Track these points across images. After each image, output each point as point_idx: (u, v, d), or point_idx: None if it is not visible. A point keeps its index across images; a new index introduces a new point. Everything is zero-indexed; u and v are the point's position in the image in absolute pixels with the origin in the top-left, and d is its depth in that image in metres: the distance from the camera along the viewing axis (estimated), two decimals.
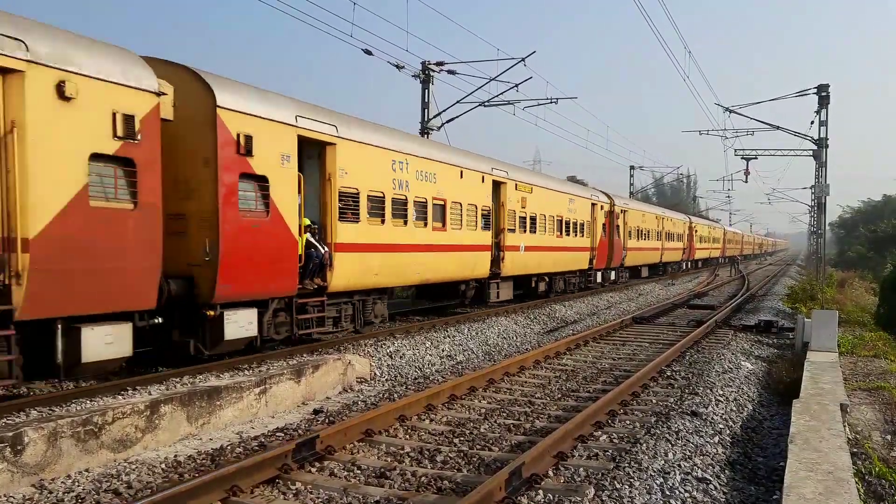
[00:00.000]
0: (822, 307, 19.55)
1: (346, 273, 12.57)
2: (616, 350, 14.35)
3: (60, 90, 7.67)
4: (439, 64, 25.67)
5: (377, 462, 6.90)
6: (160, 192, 8.89)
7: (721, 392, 10.04)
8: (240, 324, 10.28)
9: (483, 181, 18.09)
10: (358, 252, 12.93)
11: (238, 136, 10.02)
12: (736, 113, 32.61)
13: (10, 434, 6.12)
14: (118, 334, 8.42)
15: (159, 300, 8.97)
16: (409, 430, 8.11)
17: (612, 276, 30.56)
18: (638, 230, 33.91)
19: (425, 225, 15.28)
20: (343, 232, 12.46)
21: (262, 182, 10.51)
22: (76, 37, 8.20)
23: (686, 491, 6.11)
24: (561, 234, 23.88)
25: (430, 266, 15.59)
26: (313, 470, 6.66)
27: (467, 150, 18.56)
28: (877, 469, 6.66)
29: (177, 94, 9.31)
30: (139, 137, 8.53)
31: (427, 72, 25.71)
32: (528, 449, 6.83)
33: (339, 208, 12.39)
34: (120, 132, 8.30)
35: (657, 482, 6.20)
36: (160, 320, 9.24)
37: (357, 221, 12.88)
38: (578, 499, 5.84)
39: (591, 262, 27.06)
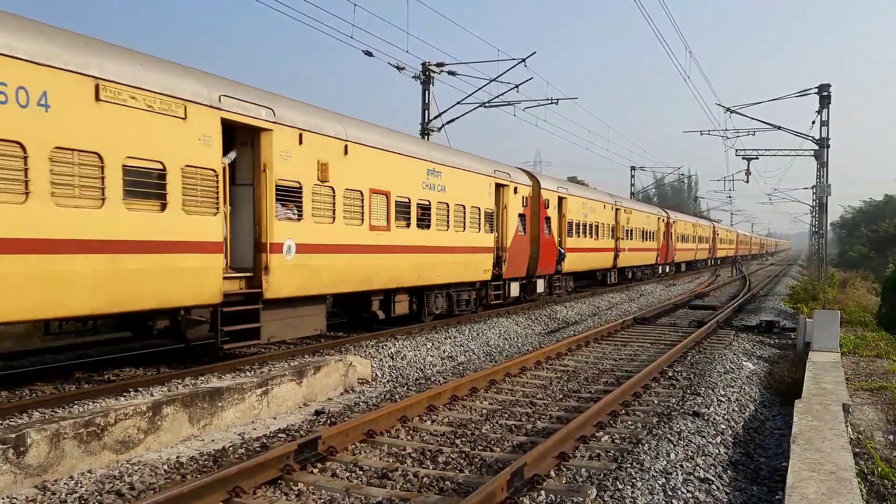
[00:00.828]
0: (824, 307, 19.54)
1: (568, 263, 24.24)
2: (617, 351, 14.35)
3: (515, 191, 19.54)
4: (440, 65, 25.69)
5: (379, 463, 6.90)
6: (529, 228, 20.63)
7: (723, 392, 10.04)
8: (539, 285, 22.13)
9: (611, 209, 29.81)
10: (571, 252, 24.53)
11: (545, 199, 21.76)
12: (737, 113, 32.64)
13: (13, 435, 6.12)
14: (517, 287, 20.37)
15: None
16: (411, 431, 8.11)
17: (668, 269, 43.12)
18: (682, 235, 46.38)
19: (588, 237, 26.80)
20: (568, 241, 24.28)
21: (549, 219, 22.11)
22: (517, 168, 21.14)
23: (688, 491, 6.10)
24: (643, 240, 35.33)
25: (592, 259, 27.53)
26: (315, 471, 6.66)
27: (588, 185, 30.99)
28: (879, 469, 6.66)
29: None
30: (527, 205, 20.46)
31: (427, 73, 25.72)
32: (530, 450, 6.84)
33: (567, 229, 24.22)
34: (524, 204, 20.19)
35: (659, 482, 6.20)
36: (527, 282, 21.28)
37: (571, 236, 24.62)
38: (580, 499, 5.84)
39: (656, 258, 38.96)
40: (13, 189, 7.23)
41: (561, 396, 10.05)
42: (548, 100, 27.49)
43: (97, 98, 7.96)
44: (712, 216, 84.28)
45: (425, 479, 6.42)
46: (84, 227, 7.90)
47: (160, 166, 8.79)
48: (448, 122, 26.10)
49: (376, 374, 11.60)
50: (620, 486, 6.06)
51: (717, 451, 7.41)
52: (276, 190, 10.67)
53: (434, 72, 25.69)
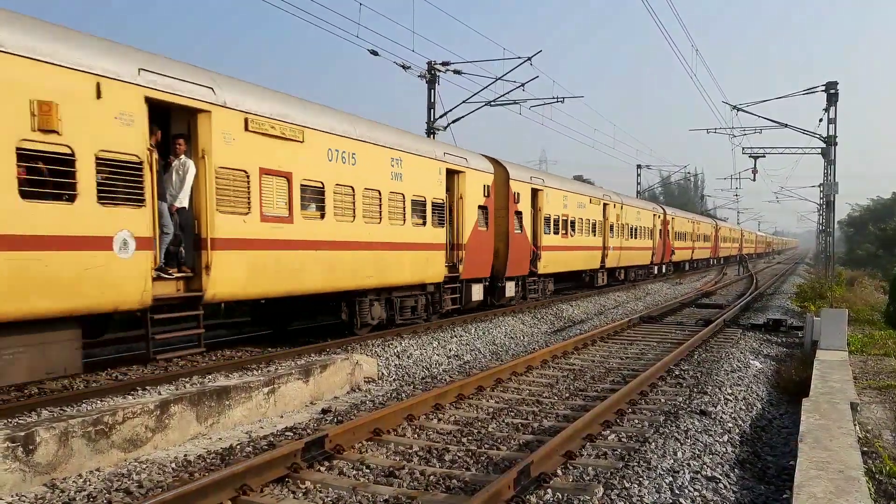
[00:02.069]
0: (832, 306, 19.46)
1: (675, 256, 42.86)
2: (624, 349, 14.33)
3: (660, 217, 38.03)
4: (445, 64, 25.71)
5: (386, 461, 6.91)
6: (662, 236, 38.77)
7: (730, 391, 10.01)
8: (663, 268, 40.42)
9: (690, 223, 46.50)
10: (677, 250, 43.07)
11: (667, 220, 39.46)
12: (744, 111, 32.54)
13: (23, 434, 6.15)
14: (656, 268, 39.28)
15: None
16: (418, 430, 8.12)
17: (714, 261, 60.52)
18: (723, 237, 64.78)
19: (680, 240, 42.88)
20: (675, 244, 41.98)
21: (668, 231, 39.39)
22: (658, 205, 41.14)
23: (695, 490, 6.09)
24: (703, 241, 52.69)
25: (682, 255, 44.89)
26: (322, 469, 6.67)
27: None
28: (887, 468, 6.63)
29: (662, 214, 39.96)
30: (663, 224, 39.34)
31: (433, 72, 25.74)
32: (537, 448, 6.83)
33: (674, 237, 41.18)
34: (662, 223, 39.04)
35: (666, 481, 6.19)
36: (660, 265, 40.53)
37: (676, 241, 42.40)
38: (587, 497, 5.84)
39: (709, 254, 56.56)
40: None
41: (567, 395, 10.04)
42: (553, 98, 27.52)
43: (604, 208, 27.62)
44: (719, 215, 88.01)
45: (432, 477, 6.43)
46: (586, 242, 25.61)
47: (593, 222, 26.25)
48: (454, 121, 26.15)
49: (382, 373, 11.61)
50: (627, 485, 6.05)
51: (724, 449, 7.39)
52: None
53: (440, 71, 25.70)
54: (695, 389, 10.09)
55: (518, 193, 19.33)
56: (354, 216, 12.78)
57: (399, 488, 6.17)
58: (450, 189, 16.48)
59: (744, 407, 9.38)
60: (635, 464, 6.60)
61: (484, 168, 18.06)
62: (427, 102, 26.17)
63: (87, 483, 6.30)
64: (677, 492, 6.00)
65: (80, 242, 8.08)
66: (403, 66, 23.72)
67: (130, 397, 8.13)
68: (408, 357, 12.64)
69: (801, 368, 11.24)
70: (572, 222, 24.06)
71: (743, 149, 37.83)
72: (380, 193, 13.48)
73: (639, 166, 59.29)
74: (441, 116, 26.03)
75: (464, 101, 25.83)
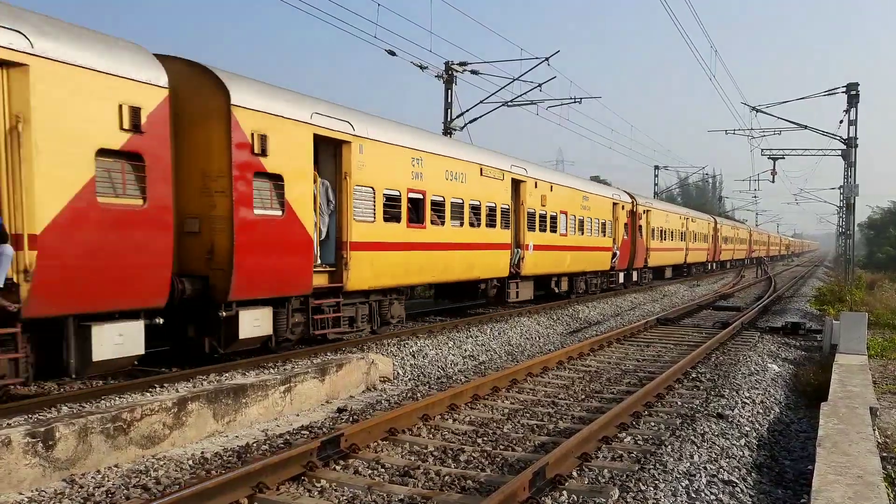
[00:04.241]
0: (851, 309, 19.23)
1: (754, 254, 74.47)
2: (640, 351, 14.26)
3: (746, 233, 70.73)
4: (462, 64, 25.71)
5: (401, 461, 6.92)
6: (749, 245, 71.24)
7: (747, 394, 9.93)
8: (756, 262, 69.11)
9: (766, 235, 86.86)
10: (757, 250, 76.87)
11: (750, 233, 72.87)
12: (763, 112, 32.26)
13: (42, 429, 6.24)
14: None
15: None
16: (433, 430, 8.13)
17: (767, 258, 73.09)
18: (772, 244, 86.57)
19: (756, 246, 76.36)
20: (753, 246, 75.59)
21: (751, 241, 71.79)
22: (741, 223, 76.92)
23: (712, 493, 6.05)
24: (763, 244, 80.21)
25: (756, 252, 77.22)
26: (338, 468, 6.70)
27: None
28: None
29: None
30: (747, 237, 69.80)
31: (450, 72, 25.75)
32: (552, 450, 6.81)
33: (754, 244, 75.35)
34: (748, 236, 70.66)
35: (682, 484, 6.16)
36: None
37: (752, 247, 73.77)
38: (603, 500, 5.82)
39: (764, 253, 77.36)
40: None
41: (583, 397, 10.00)
42: (571, 98, 27.43)
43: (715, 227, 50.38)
44: (738, 216, 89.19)
45: (447, 477, 6.44)
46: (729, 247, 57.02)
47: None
48: (470, 122, 26.13)
49: (398, 373, 11.64)
50: (643, 488, 6.02)
51: (741, 453, 7.34)
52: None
53: (457, 71, 25.71)
54: (712, 392, 10.02)
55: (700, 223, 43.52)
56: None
57: (414, 488, 6.19)
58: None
59: (761, 411, 9.30)
60: (651, 466, 6.56)
61: (675, 210, 38.86)
62: (444, 102, 26.20)
63: (106, 479, 6.38)
64: (693, 495, 5.97)
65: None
66: (421, 67, 23.75)
67: (149, 394, 8.21)
68: (423, 357, 12.66)
69: (820, 372, 11.13)
70: (719, 237, 47.18)
71: (762, 150, 37.55)
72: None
73: (656, 167, 59.06)
74: (458, 116, 26.04)
75: (481, 102, 25.82)
